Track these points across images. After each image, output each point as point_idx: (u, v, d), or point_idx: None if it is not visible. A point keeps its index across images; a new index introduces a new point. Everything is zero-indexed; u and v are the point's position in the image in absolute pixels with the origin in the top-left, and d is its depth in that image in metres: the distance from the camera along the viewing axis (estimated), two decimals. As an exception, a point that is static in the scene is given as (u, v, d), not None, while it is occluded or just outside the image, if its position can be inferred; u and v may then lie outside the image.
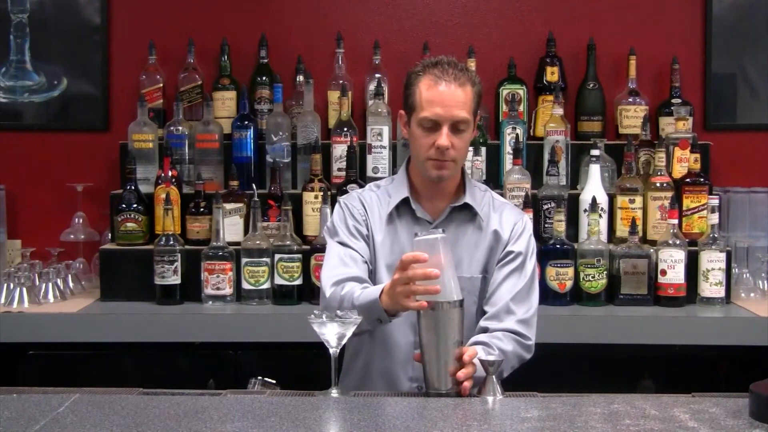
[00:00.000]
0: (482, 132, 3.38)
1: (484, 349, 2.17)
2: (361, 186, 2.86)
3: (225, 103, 3.61)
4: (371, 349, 2.36)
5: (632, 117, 3.59)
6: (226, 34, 3.67)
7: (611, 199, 3.36)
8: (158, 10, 3.78)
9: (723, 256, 3.23)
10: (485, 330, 2.28)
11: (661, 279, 3.22)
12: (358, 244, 2.35)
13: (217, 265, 3.24)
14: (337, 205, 2.45)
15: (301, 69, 3.63)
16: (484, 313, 2.33)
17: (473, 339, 2.24)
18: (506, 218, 2.39)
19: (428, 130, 2.26)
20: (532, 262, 2.39)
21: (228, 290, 3.25)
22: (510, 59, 3.65)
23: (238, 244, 3.30)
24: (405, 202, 2.37)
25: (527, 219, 2.46)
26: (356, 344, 2.38)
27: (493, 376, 1.99)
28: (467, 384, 2.00)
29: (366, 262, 2.34)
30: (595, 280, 3.23)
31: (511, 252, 2.35)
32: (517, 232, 2.38)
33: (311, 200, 3.34)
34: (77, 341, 3.10)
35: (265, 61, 3.67)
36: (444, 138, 2.23)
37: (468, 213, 2.37)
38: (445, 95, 2.24)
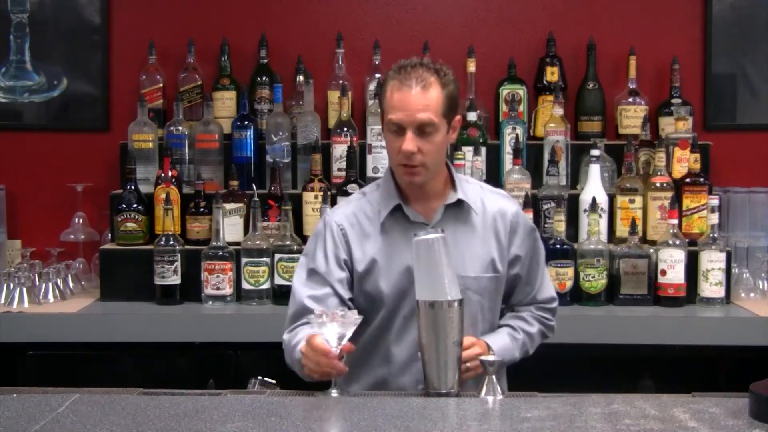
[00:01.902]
0: (482, 132, 3.38)
1: (508, 333, 2.32)
2: (361, 186, 2.85)
3: (225, 103, 3.61)
4: (371, 360, 2.32)
5: (632, 117, 3.59)
6: (226, 34, 3.67)
7: (611, 199, 3.36)
8: (158, 10, 3.78)
9: (723, 256, 3.23)
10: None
11: (661, 279, 3.22)
12: (333, 272, 2.29)
13: (217, 265, 3.24)
14: (319, 224, 2.38)
15: (301, 69, 3.62)
16: (494, 310, 2.36)
17: (501, 321, 2.38)
18: (500, 208, 2.36)
19: (395, 134, 2.22)
20: (539, 246, 2.43)
21: (228, 290, 3.25)
22: (510, 59, 3.64)
23: (238, 244, 3.30)
24: (396, 208, 2.30)
25: (518, 206, 2.44)
26: (356, 354, 2.32)
27: (494, 376, 1.99)
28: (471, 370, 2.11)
29: (337, 294, 2.27)
30: (595, 280, 3.23)
31: (518, 256, 2.36)
32: (515, 225, 2.36)
33: (311, 200, 3.33)
34: (77, 341, 3.10)
35: (265, 61, 3.67)
36: (407, 142, 2.18)
37: (462, 209, 2.33)
38: (408, 98, 2.19)
